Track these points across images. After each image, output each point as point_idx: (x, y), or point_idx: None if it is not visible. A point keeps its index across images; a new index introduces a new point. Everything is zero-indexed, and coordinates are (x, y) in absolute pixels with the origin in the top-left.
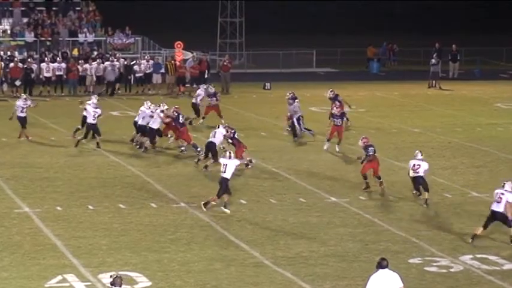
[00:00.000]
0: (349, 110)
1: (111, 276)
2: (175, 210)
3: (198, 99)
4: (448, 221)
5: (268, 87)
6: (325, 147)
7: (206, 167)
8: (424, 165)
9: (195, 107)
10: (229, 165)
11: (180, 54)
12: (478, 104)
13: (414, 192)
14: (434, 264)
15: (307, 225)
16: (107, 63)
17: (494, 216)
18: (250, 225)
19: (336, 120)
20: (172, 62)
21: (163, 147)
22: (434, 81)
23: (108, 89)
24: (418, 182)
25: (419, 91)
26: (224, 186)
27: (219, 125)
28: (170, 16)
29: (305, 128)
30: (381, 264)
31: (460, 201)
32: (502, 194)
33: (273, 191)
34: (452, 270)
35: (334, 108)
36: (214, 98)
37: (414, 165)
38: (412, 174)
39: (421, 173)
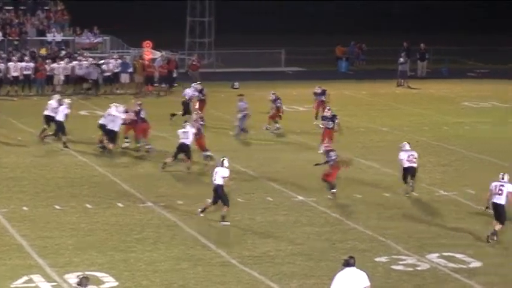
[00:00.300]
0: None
1: (77, 276)
2: (142, 210)
3: (187, 97)
4: (415, 219)
5: (237, 86)
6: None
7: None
8: (415, 154)
9: (185, 105)
10: (219, 173)
11: (149, 53)
12: (446, 102)
13: (407, 185)
14: (401, 262)
15: (274, 224)
16: (74, 62)
17: (497, 208)
18: (218, 224)
19: (327, 122)
20: (141, 61)
21: (129, 148)
22: (402, 80)
23: (93, 87)
24: (412, 172)
25: (387, 90)
26: (220, 192)
27: (186, 125)
28: (139, 15)
29: (243, 128)
30: (348, 262)
31: (427, 200)
32: (502, 186)
33: (241, 190)
34: (418, 268)
35: (326, 109)
36: (201, 94)
37: (409, 156)
38: (408, 164)
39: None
